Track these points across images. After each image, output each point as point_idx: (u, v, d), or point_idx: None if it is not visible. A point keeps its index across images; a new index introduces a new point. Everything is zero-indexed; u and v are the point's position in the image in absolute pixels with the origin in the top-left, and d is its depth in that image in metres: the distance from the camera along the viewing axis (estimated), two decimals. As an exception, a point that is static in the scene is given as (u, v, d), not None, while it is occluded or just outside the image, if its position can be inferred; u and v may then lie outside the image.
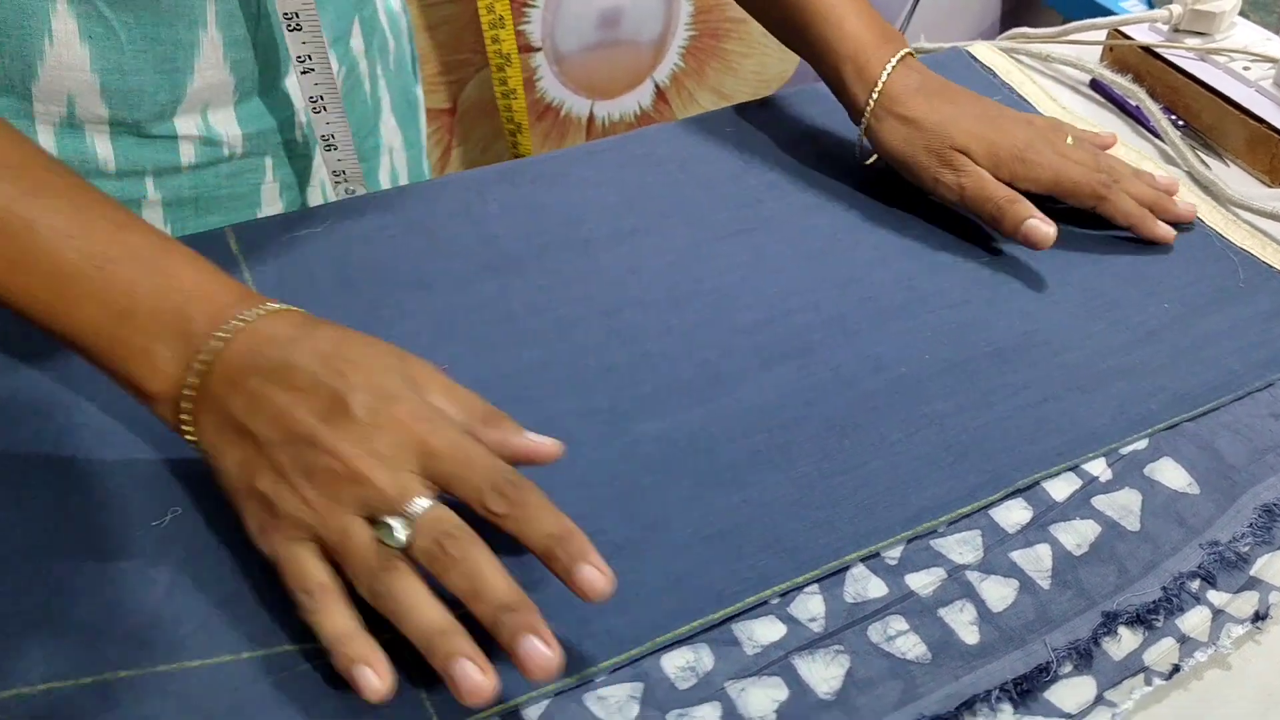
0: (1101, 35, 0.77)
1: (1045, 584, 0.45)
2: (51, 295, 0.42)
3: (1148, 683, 0.42)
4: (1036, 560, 0.46)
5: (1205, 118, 0.71)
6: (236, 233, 0.58)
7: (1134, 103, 0.73)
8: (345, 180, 0.65)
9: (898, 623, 0.43)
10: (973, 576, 0.45)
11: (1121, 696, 0.42)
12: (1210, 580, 0.46)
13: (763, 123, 0.69)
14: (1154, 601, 0.44)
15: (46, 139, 0.55)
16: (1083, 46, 0.78)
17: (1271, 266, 0.61)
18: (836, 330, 0.56)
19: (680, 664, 0.42)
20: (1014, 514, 0.48)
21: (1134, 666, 0.43)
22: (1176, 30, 0.76)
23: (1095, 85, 0.76)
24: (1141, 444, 0.51)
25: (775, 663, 0.42)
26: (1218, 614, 0.45)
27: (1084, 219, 0.63)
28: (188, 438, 0.42)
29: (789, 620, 0.43)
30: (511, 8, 1.05)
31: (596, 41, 1.17)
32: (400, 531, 0.39)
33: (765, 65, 1.27)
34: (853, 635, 0.43)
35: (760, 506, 0.47)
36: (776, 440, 0.50)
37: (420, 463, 0.40)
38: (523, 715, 0.40)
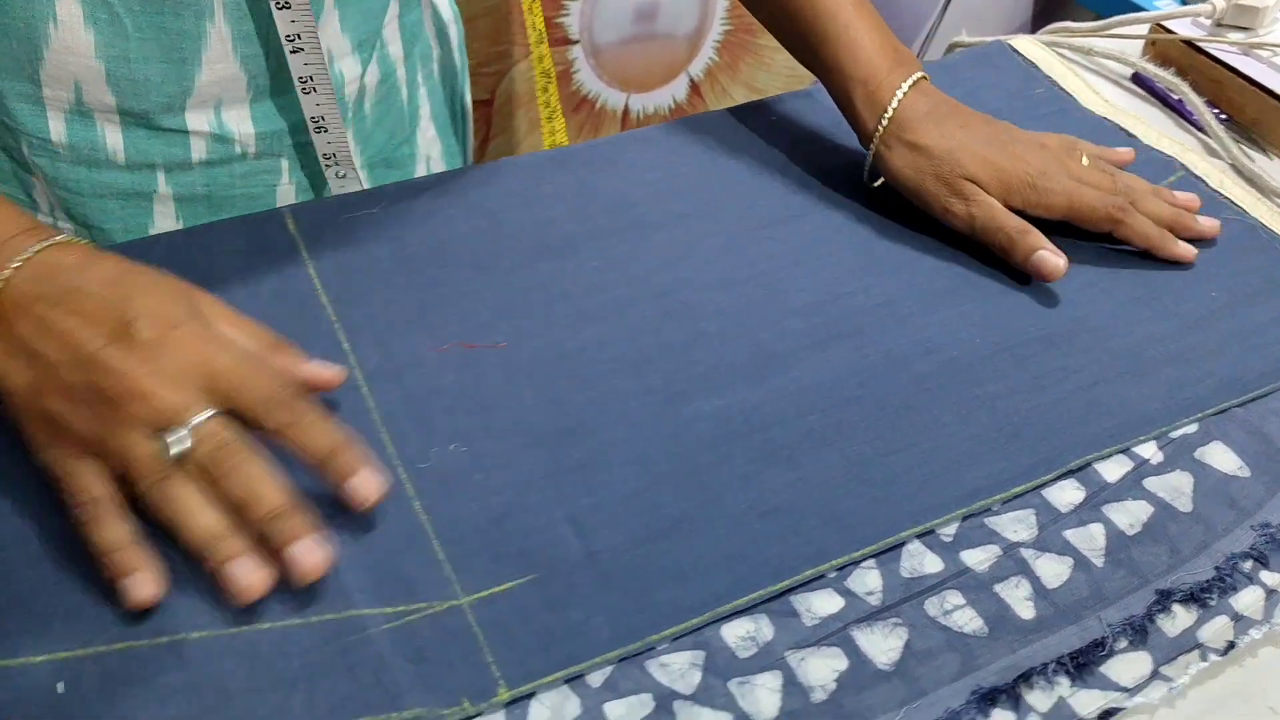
0: (1143, 29, 0.78)
1: (1099, 562, 0.46)
2: None
3: (1203, 658, 0.43)
4: (1090, 539, 0.46)
5: (1249, 111, 0.72)
6: (294, 213, 0.59)
7: (1176, 96, 0.73)
8: (336, 164, 0.63)
9: (954, 597, 0.44)
10: (1027, 554, 0.46)
11: (1177, 672, 0.42)
12: (1262, 561, 0.46)
13: (807, 112, 0.70)
14: (1207, 580, 0.45)
15: (57, 125, 0.56)
16: (1124, 40, 0.78)
17: (1318, 257, 0.61)
18: (886, 314, 0.56)
19: (740, 633, 0.42)
20: (1066, 494, 0.48)
21: (1188, 643, 0.43)
22: (1219, 24, 0.76)
23: (1137, 79, 0.76)
24: (1191, 428, 0.52)
25: (834, 634, 0.42)
26: (1271, 593, 0.45)
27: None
28: None
29: (846, 594, 0.44)
30: (549, 0, 1.06)
31: (633, 35, 1.18)
32: (179, 443, 0.41)
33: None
34: (910, 609, 0.43)
35: (815, 484, 0.48)
36: (830, 419, 0.50)
37: (203, 381, 0.42)
38: (587, 681, 0.41)
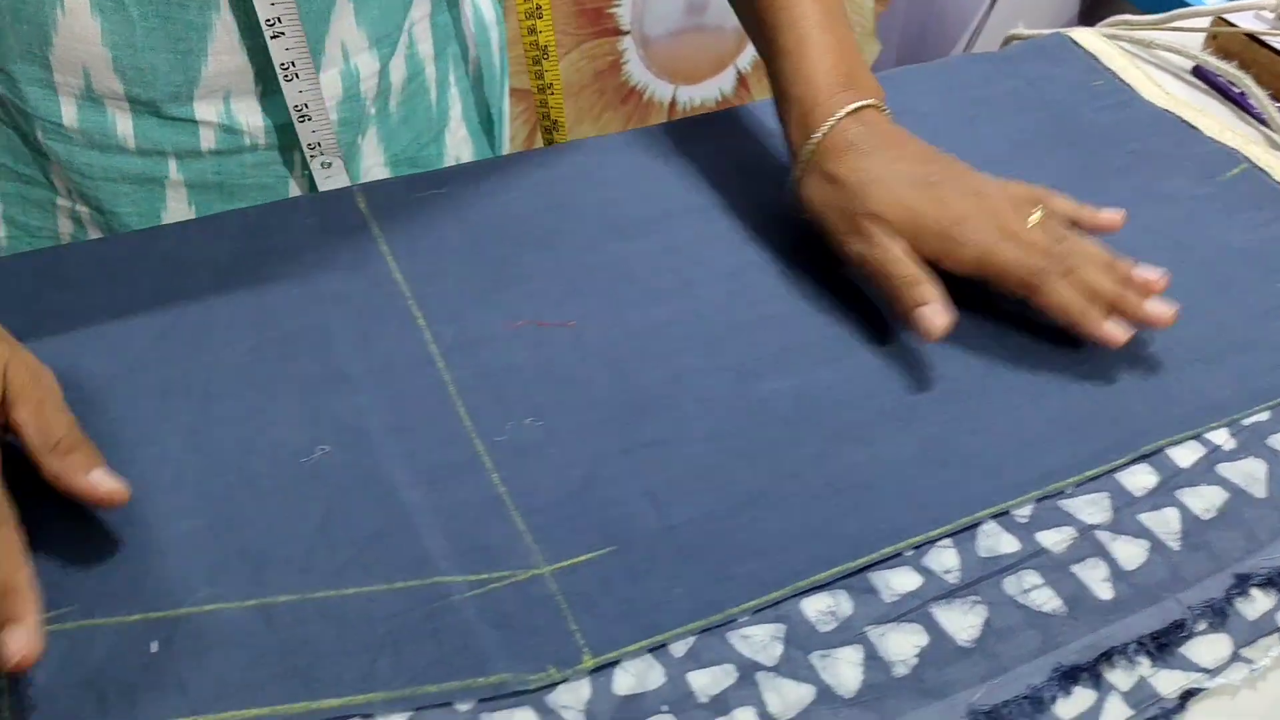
0: (1205, 23, 0.77)
1: (1175, 545, 0.46)
2: None
3: (1284, 642, 0.43)
4: (1165, 523, 0.46)
5: (1312, 105, 0.71)
6: (364, 192, 0.60)
7: (1238, 90, 0.73)
8: (321, 153, 0.61)
9: (1032, 577, 0.44)
10: (1103, 536, 0.46)
11: (1258, 654, 0.42)
12: (1340, 548, 0.46)
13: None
14: (1285, 566, 0.45)
15: (69, 110, 0.56)
16: (1185, 34, 0.78)
17: (1385, 250, 0.61)
18: (957, 298, 0.56)
19: (820, 608, 0.43)
20: (1140, 478, 0.48)
21: (1268, 626, 0.43)
22: (1281, 19, 0.76)
23: (1198, 72, 0.76)
24: (1264, 415, 0.52)
25: (913, 610, 0.43)
26: (1350, 580, 0.45)
27: (1204, 208, 0.63)
28: None
29: (924, 571, 0.44)
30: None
31: (683, 26, 1.18)
32: None
33: (844, 55, 1.28)
34: (988, 587, 0.44)
35: (889, 463, 0.48)
36: (901, 401, 0.51)
37: None
38: (670, 650, 0.41)
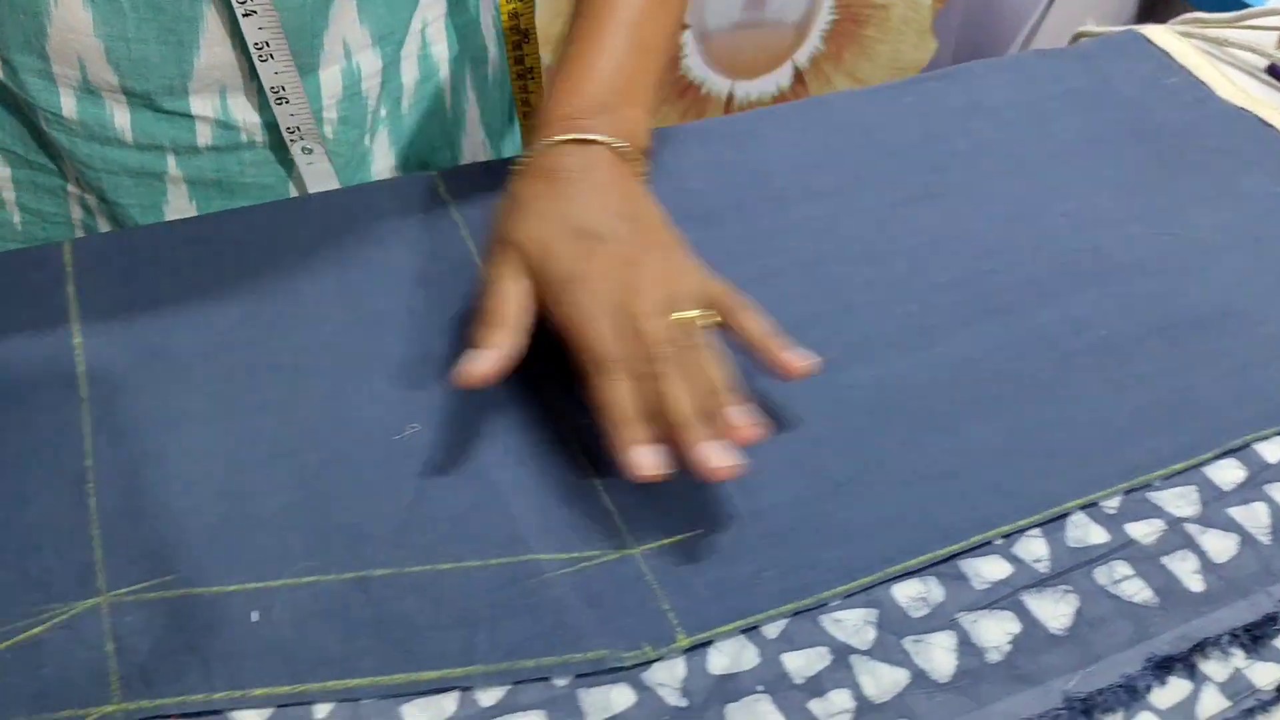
0: (1278, 21, 0.77)
1: (1266, 539, 0.45)
2: None
3: (1380, 637, 0.42)
4: (1255, 517, 0.46)
5: (1389, 105, 0.71)
6: (444, 178, 0.60)
7: (1313, 89, 0.72)
8: (301, 138, 0.59)
9: (1122, 568, 0.44)
10: (1193, 529, 0.46)
11: (1354, 649, 0.42)
12: None
13: (941, 95, 0.70)
14: (1378, 562, 0.44)
15: (68, 101, 0.55)
16: (1258, 33, 0.78)
17: None
18: (1033, 293, 0.56)
19: (911, 594, 0.43)
20: (1228, 473, 0.48)
21: (1363, 622, 0.43)
22: (1357, 18, 0.75)
23: (1273, 70, 0.75)
24: (1351, 413, 0.51)
25: (1005, 598, 0.43)
26: None
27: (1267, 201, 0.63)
28: None
29: (1014, 560, 0.44)
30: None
31: (742, 21, 1.18)
32: None
33: (901, 52, 1.28)
34: (1079, 576, 0.43)
35: (976, 453, 0.48)
36: (986, 392, 0.51)
37: None
38: (763, 632, 0.41)
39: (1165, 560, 0.44)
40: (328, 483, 0.45)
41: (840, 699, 0.39)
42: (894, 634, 0.41)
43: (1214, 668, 0.41)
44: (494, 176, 0.61)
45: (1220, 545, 0.45)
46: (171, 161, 0.59)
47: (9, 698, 0.37)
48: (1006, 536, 0.45)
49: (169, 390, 0.48)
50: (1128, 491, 0.47)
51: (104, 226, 0.62)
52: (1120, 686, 0.40)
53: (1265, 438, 0.50)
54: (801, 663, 0.40)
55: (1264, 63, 0.76)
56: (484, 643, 0.40)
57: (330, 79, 0.59)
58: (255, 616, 0.40)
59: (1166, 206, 0.62)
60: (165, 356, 0.49)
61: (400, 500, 0.44)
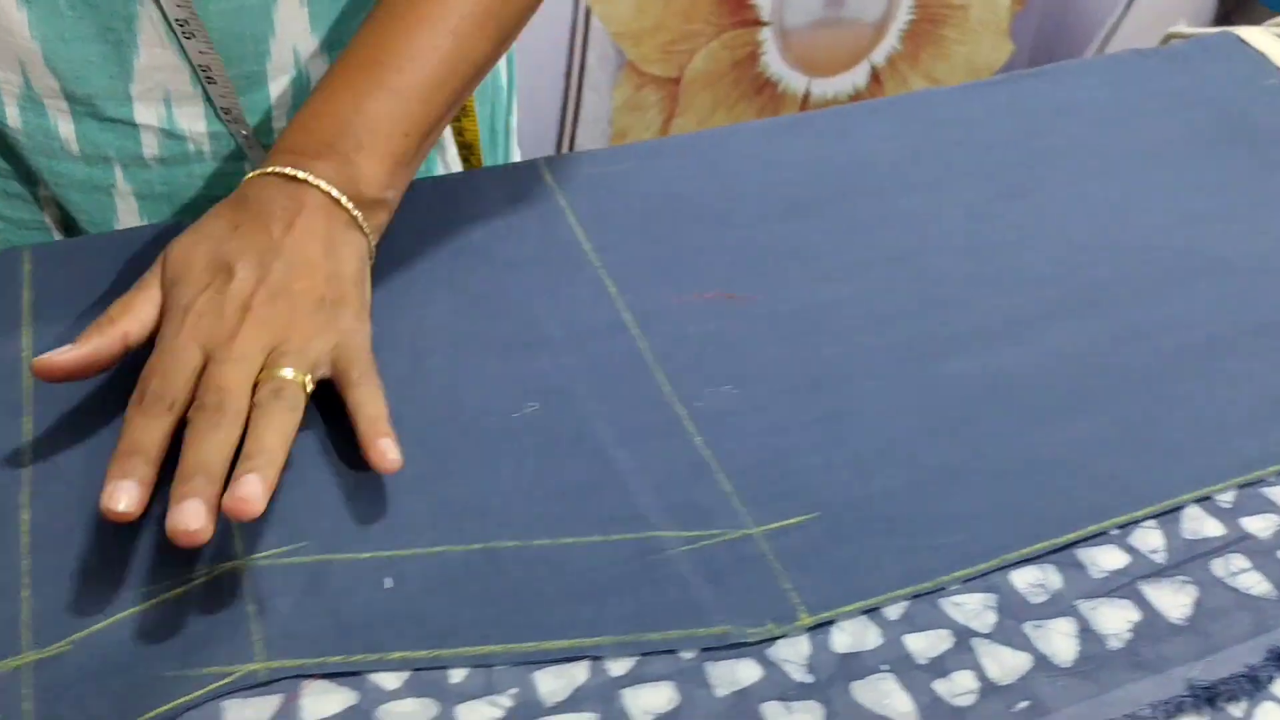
0: (1375, 25, 0.76)
1: (1382, 537, 0.45)
2: None
3: None
4: (1371, 514, 0.46)
5: None
6: (550, 165, 0.61)
7: None
8: (233, 120, 0.58)
9: (1239, 560, 0.44)
10: (1309, 524, 0.46)
11: None
12: None
13: (1035, 92, 0.70)
14: None
15: (12, 111, 0.55)
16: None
17: None
18: (1130, 289, 0.56)
19: (1030, 580, 0.43)
20: (1342, 470, 0.48)
21: None
22: None
23: (1369, 74, 0.75)
24: None
25: (1123, 587, 0.43)
26: None
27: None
28: None
29: (1130, 550, 0.44)
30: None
31: (822, 18, 1.19)
32: None
33: (977, 53, 1.28)
34: (1197, 568, 0.44)
35: (1085, 444, 0.48)
36: (1090, 385, 0.51)
37: None
38: (884, 613, 0.42)
39: (1282, 554, 0.44)
40: (449, 457, 0.46)
41: (964, 680, 0.40)
42: (1014, 619, 0.42)
43: (1337, 661, 0.41)
44: (601, 164, 0.62)
45: (1337, 541, 0.45)
46: (119, 174, 0.58)
47: (156, 653, 0.39)
48: (1122, 527, 0.45)
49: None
50: (1241, 486, 0.47)
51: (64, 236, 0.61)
52: (1243, 676, 0.40)
53: (1377, 437, 0.49)
54: (924, 644, 0.41)
55: (1361, 66, 0.75)
56: (610, 615, 0.41)
57: (280, 89, 0.59)
58: (389, 583, 0.41)
59: (1264, 207, 0.62)
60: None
61: (521, 476, 0.45)
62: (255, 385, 0.43)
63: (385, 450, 0.42)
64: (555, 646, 0.40)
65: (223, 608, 0.40)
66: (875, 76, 1.28)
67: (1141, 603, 0.42)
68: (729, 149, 0.64)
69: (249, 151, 0.59)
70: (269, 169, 0.48)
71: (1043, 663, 0.40)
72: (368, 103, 0.50)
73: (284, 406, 0.42)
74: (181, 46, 0.54)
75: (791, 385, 0.50)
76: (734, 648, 0.40)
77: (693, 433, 0.48)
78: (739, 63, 1.17)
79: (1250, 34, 0.76)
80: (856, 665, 0.40)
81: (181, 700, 0.37)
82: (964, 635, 0.41)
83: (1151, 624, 0.42)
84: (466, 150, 0.69)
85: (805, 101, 1.27)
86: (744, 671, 0.39)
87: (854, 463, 0.47)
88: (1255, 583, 0.43)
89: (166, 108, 0.56)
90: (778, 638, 0.41)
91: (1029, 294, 0.56)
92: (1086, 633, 0.41)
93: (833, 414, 0.49)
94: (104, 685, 0.38)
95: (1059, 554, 0.44)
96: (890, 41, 1.25)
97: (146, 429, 0.41)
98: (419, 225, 0.57)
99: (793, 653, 0.40)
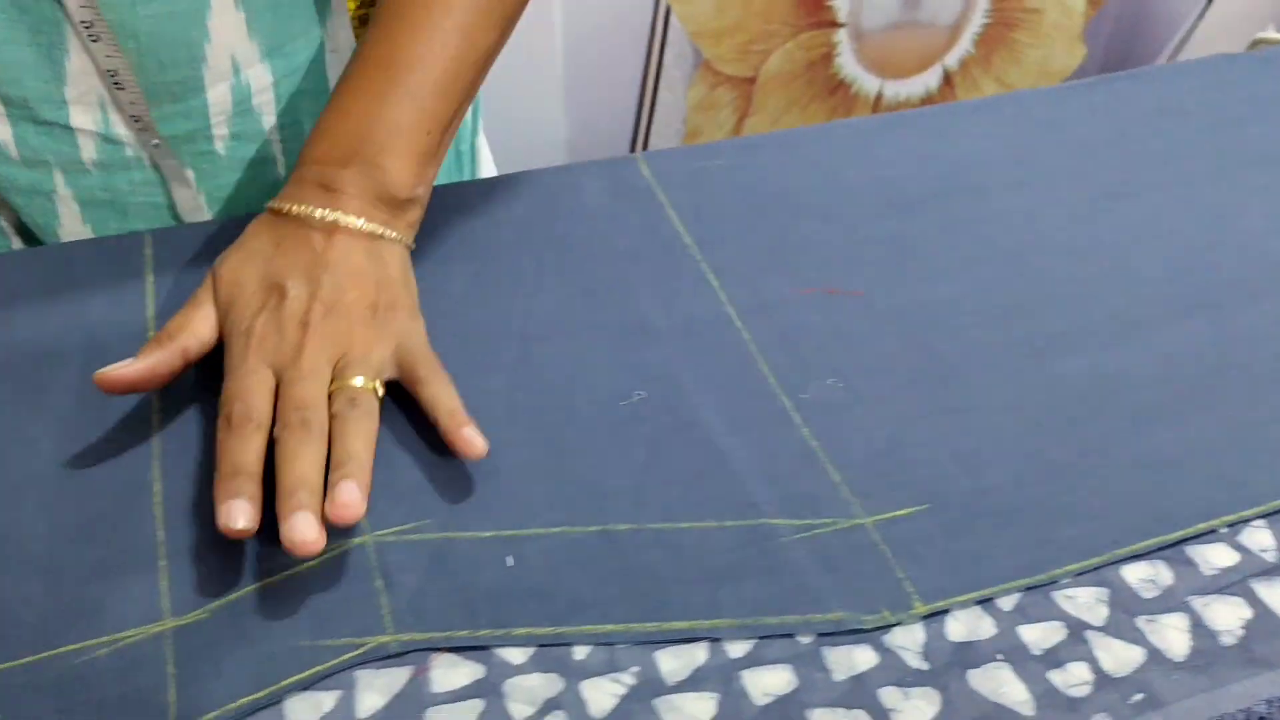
0: None
1: None
2: None
3: None
4: None
5: None
6: (648, 160, 0.62)
7: None
8: (142, 127, 0.57)
9: (1352, 562, 0.44)
10: None
11: None
12: None
13: (1130, 95, 0.70)
14: None
15: None
16: None
17: None
18: (1240, 291, 0.56)
19: (1140, 575, 0.43)
20: None
21: None
22: None
23: None
24: None
25: (1234, 584, 0.43)
26: None
27: None
28: None
29: (1241, 549, 0.44)
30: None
31: (898, 20, 1.19)
32: None
33: (1051, 58, 1.28)
34: (1309, 568, 0.44)
35: (1196, 443, 0.48)
36: (1201, 384, 0.51)
37: None
38: (997, 604, 0.42)
39: (1395, 557, 0.44)
40: (564, 441, 0.47)
41: (1079, 671, 0.40)
42: (1126, 613, 0.42)
43: None
44: (697, 159, 0.63)
45: None
46: (59, 179, 0.58)
47: (289, 624, 0.40)
48: (1231, 525, 0.45)
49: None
50: (1352, 489, 0.47)
51: (19, 244, 0.62)
52: (1361, 676, 0.40)
53: None
54: (1038, 635, 0.41)
55: None
56: (728, 598, 0.41)
57: (219, 97, 0.58)
58: (510, 561, 0.42)
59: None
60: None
61: (634, 461, 0.46)
62: (330, 396, 0.44)
63: (471, 439, 0.44)
64: (674, 627, 0.41)
65: (351, 582, 0.41)
66: (947, 79, 1.28)
67: (1253, 600, 0.42)
68: (826, 146, 0.64)
69: (160, 162, 0.59)
70: (300, 180, 0.50)
71: (1156, 656, 0.41)
72: (386, 106, 0.50)
73: (362, 414, 0.44)
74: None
75: (899, 379, 0.51)
76: (850, 634, 0.41)
77: (800, 424, 0.48)
78: (814, 63, 1.18)
79: (1346, 38, 0.76)
80: (971, 654, 0.40)
81: (317, 669, 0.39)
82: (1077, 628, 0.41)
83: (1264, 621, 0.42)
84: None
85: (877, 103, 1.27)
86: (861, 657, 0.40)
87: (964, 456, 0.47)
88: (1369, 584, 0.43)
89: (102, 112, 0.56)
90: (893, 625, 0.41)
91: (1139, 294, 0.56)
92: (1199, 628, 0.41)
93: (943, 409, 0.49)
94: (241, 653, 0.39)
95: (1169, 550, 0.44)
96: (964, 45, 1.25)
97: (243, 450, 0.42)
98: (521, 218, 0.58)
99: (908, 640, 0.41)
